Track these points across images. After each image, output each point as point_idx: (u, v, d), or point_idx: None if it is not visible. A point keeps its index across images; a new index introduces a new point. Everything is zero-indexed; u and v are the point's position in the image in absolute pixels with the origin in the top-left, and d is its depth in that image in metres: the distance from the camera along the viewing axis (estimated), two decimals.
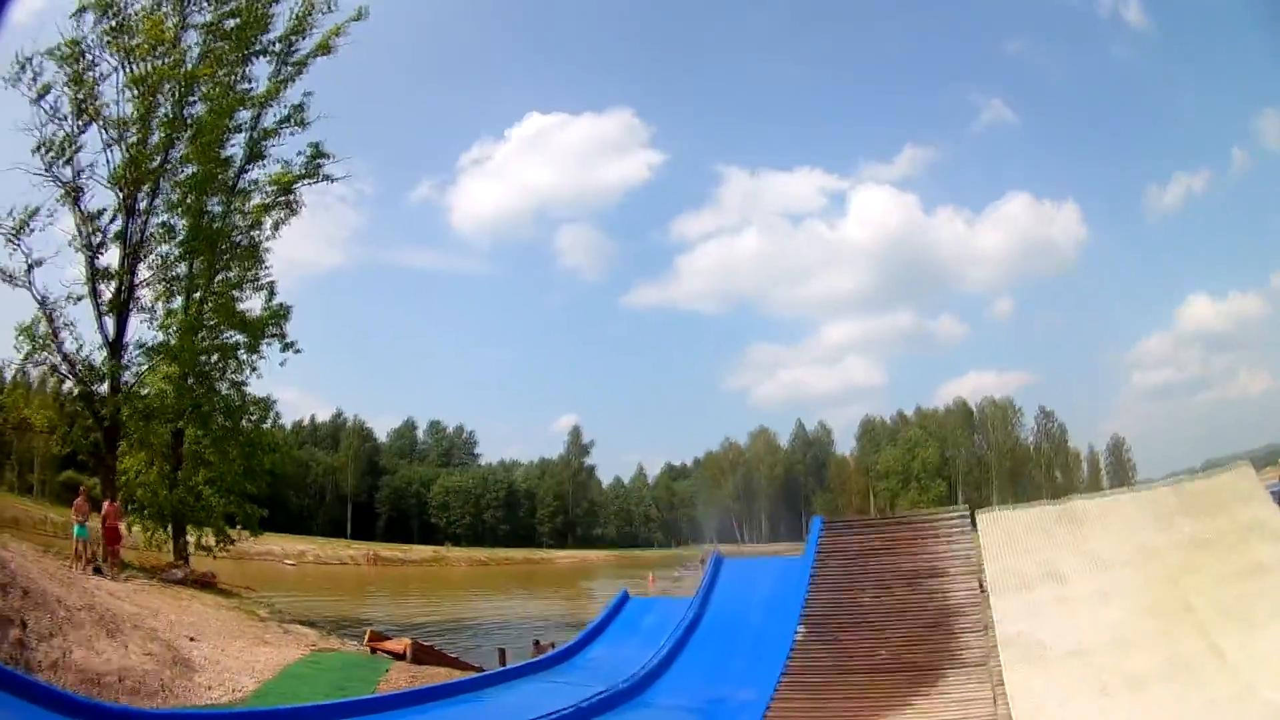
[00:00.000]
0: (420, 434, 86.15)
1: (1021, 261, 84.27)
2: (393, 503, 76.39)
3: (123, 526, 18.20)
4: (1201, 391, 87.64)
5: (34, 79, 20.31)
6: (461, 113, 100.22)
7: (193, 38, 22.43)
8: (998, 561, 10.47)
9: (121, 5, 21.24)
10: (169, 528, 21.48)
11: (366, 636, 15.04)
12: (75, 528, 17.31)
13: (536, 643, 15.96)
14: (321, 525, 63.17)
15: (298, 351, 24.22)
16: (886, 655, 9.81)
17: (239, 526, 22.95)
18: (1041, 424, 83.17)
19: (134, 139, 21.62)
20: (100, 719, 7.37)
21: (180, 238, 22.47)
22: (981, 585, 10.33)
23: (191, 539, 21.88)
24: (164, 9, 21.83)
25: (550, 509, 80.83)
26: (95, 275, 21.23)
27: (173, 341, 21.90)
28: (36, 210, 20.39)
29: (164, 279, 22.50)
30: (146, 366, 21.86)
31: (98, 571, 16.26)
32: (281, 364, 23.87)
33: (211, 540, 22.15)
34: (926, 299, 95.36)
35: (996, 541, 10.79)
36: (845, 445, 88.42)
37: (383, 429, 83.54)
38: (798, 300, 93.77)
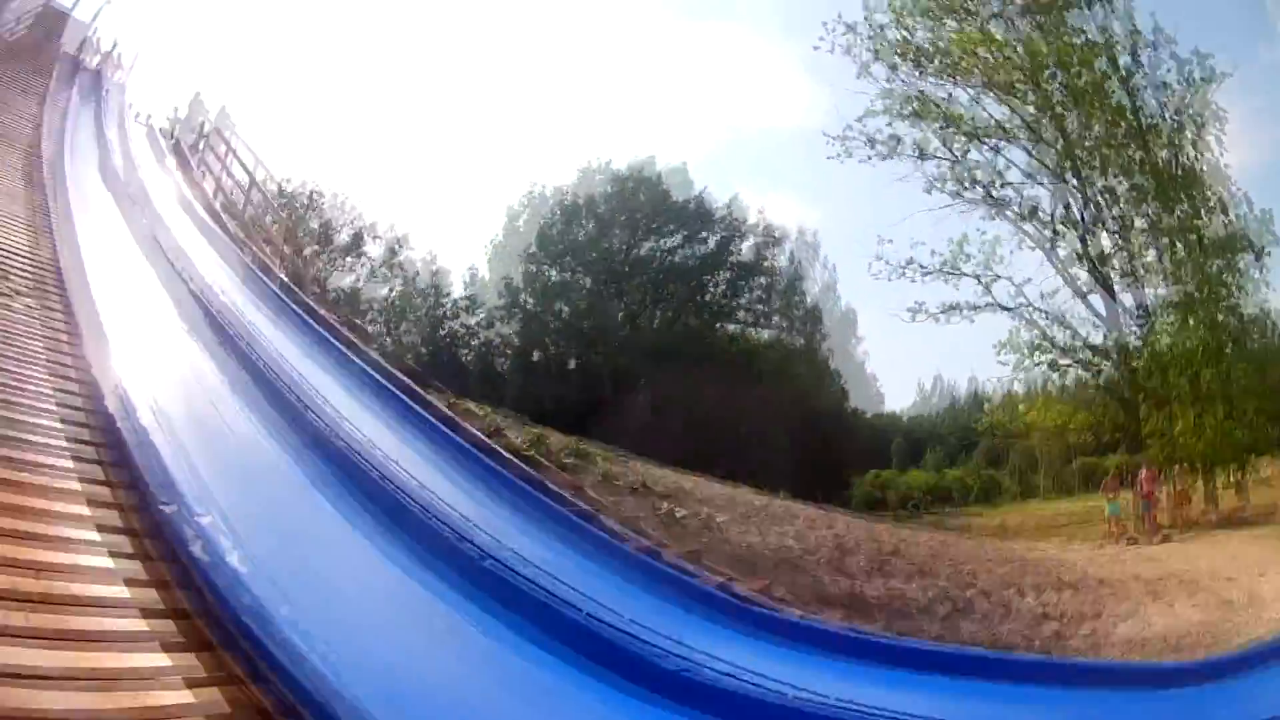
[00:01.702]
0: None
1: None
2: None
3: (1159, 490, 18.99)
4: None
5: (866, 141, 23.96)
6: None
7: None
8: None
9: (914, 43, 23.92)
10: (1200, 477, 21.25)
11: None
12: (1108, 506, 18.66)
13: None
14: None
15: None
16: None
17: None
18: None
19: (1029, 135, 23.56)
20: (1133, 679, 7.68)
21: (1122, 195, 23.03)
22: None
23: (1220, 480, 21.17)
24: (954, 24, 23.69)
25: None
26: (1084, 261, 23.01)
27: (1174, 293, 22.26)
28: (965, 237, 23.33)
29: (1128, 241, 23.13)
30: (1148, 326, 22.57)
31: (1132, 541, 16.89)
32: None
33: (1240, 476, 20.99)
34: None
35: None
36: None
37: None
38: None
